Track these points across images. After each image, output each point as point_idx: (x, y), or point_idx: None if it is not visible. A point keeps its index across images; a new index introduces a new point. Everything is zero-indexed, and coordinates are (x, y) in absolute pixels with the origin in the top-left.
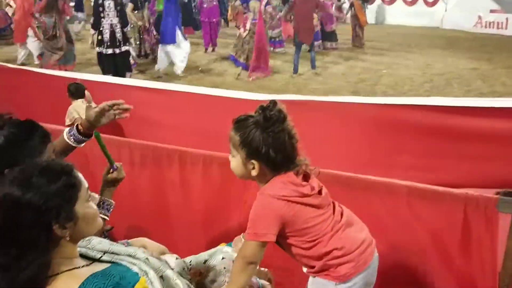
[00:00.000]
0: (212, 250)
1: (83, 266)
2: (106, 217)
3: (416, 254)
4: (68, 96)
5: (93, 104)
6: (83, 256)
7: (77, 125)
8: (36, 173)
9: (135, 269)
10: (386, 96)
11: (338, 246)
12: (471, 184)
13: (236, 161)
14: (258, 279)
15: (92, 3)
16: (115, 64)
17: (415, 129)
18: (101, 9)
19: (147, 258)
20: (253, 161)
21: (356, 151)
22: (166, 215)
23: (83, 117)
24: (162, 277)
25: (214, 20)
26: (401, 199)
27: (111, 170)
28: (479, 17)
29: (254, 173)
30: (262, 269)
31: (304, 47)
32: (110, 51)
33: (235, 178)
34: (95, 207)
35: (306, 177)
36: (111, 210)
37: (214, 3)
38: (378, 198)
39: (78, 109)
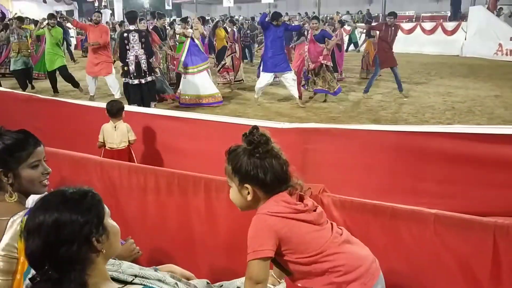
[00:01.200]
0: (243, 278)
1: None
2: None
3: (443, 283)
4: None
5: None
6: (114, 279)
7: None
8: (65, 195)
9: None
10: (407, 124)
11: (341, 262)
12: (494, 212)
13: (233, 191)
14: None
15: (118, 37)
16: (141, 93)
17: (438, 157)
18: (126, 41)
19: (176, 283)
20: (246, 185)
21: (378, 178)
22: (191, 241)
23: (107, 139)
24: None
25: None
26: (428, 227)
27: None
28: (500, 45)
29: (249, 197)
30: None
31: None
32: (136, 81)
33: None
34: (115, 223)
35: (301, 198)
36: None
37: None
38: (405, 225)
39: (105, 131)
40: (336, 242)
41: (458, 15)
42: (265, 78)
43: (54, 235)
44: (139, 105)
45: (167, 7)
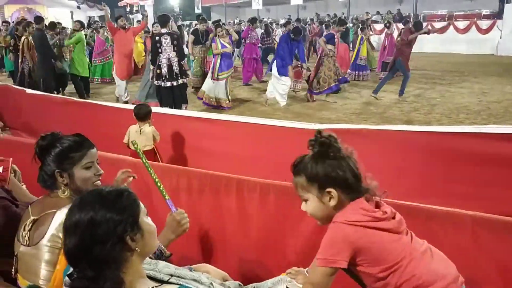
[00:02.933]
0: (276, 278)
1: (154, 287)
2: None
3: (482, 287)
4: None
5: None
6: (151, 278)
7: None
8: (101, 194)
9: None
10: (440, 125)
11: (417, 274)
12: None
13: (311, 202)
14: None
15: (151, 41)
16: (173, 96)
17: (471, 158)
18: (158, 45)
19: (211, 283)
20: (328, 189)
21: (410, 180)
22: (223, 241)
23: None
24: None
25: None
26: (466, 230)
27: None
28: None
29: (333, 202)
30: None
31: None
32: (168, 84)
33: (292, 207)
34: (152, 222)
35: (377, 205)
36: (163, 258)
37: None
38: (441, 228)
39: (130, 133)
40: (416, 253)
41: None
42: (288, 82)
43: (89, 234)
44: (170, 107)
45: (196, 11)
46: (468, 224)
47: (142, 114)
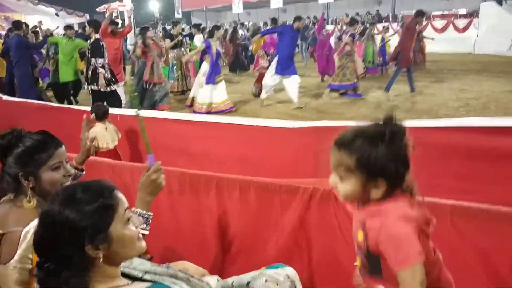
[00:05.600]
0: (255, 272)
1: (124, 285)
2: (145, 231)
3: (463, 276)
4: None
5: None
6: (125, 275)
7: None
8: (77, 192)
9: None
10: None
11: (442, 280)
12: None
13: (349, 185)
14: None
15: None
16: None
17: (453, 151)
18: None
19: (188, 279)
20: (378, 180)
21: None
22: (204, 240)
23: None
24: None
25: None
26: (445, 219)
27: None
28: None
29: (378, 193)
30: None
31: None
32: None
33: (272, 202)
34: (134, 229)
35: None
36: (149, 222)
37: None
38: None
39: (98, 135)
40: (439, 263)
41: None
42: (275, 79)
43: (53, 230)
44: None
45: (177, 16)
46: (447, 213)
47: (101, 113)
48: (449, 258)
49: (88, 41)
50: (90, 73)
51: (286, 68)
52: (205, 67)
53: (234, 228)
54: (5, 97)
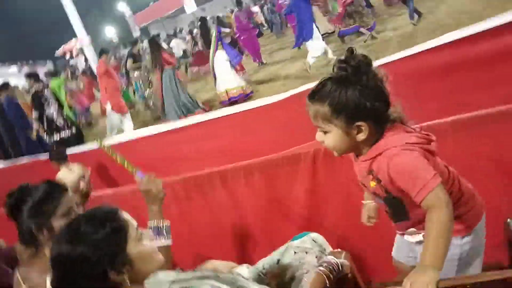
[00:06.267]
0: (281, 248)
1: None
2: (169, 241)
3: (481, 184)
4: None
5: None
6: None
7: None
8: (81, 225)
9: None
10: None
11: (464, 191)
12: None
13: (334, 135)
14: (335, 258)
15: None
16: None
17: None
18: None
19: (217, 276)
20: (358, 123)
21: None
22: (223, 235)
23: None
24: None
25: None
26: (447, 137)
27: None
28: None
29: (362, 136)
30: (339, 250)
31: None
32: None
33: (279, 177)
34: (149, 243)
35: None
36: (169, 230)
37: None
38: None
39: (64, 177)
40: (455, 176)
41: None
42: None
43: (70, 269)
44: None
45: (135, 34)
46: (448, 130)
47: (56, 158)
48: (462, 174)
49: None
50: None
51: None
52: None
53: (249, 214)
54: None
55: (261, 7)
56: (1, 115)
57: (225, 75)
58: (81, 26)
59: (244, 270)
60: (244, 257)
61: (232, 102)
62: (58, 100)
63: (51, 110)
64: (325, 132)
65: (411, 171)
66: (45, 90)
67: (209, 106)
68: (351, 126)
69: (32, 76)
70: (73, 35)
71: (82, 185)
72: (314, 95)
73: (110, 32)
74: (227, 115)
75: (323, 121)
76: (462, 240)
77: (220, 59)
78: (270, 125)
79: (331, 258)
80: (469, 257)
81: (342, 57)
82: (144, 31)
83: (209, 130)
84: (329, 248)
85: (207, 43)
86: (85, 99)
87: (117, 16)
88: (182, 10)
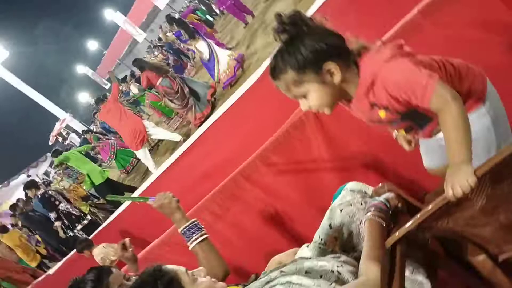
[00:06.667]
0: (327, 213)
1: None
2: (205, 234)
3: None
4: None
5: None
6: None
7: None
8: None
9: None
10: None
11: (458, 66)
12: None
13: (314, 91)
14: (377, 198)
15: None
16: None
17: None
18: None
19: (280, 271)
20: (325, 66)
21: None
22: (274, 225)
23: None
24: (307, 273)
25: None
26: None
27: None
28: None
29: (337, 78)
30: (380, 184)
31: None
32: None
33: (295, 148)
34: (205, 279)
35: None
36: (200, 225)
37: None
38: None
39: (100, 255)
40: (450, 66)
41: None
42: None
43: None
44: None
45: (105, 86)
46: (420, 22)
47: (82, 248)
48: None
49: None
50: None
51: None
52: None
53: (287, 195)
54: (52, 270)
55: None
56: (37, 218)
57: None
58: (55, 107)
59: (305, 250)
60: (300, 239)
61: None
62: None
63: (64, 204)
64: (305, 97)
65: (406, 81)
66: (49, 191)
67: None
68: (321, 73)
69: (31, 186)
70: (55, 118)
71: (127, 253)
72: (274, 71)
73: (84, 97)
74: (221, 116)
75: (296, 87)
76: (481, 111)
77: (202, 49)
78: (264, 103)
79: (375, 200)
80: (497, 123)
81: (275, 29)
82: (109, 80)
83: (212, 138)
84: (370, 189)
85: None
86: (104, 153)
87: (82, 80)
88: (135, 41)
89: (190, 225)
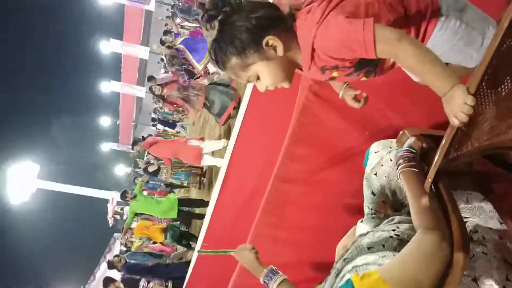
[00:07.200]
0: (364, 182)
1: None
2: (285, 276)
3: None
4: None
5: None
6: None
7: None
8: None
9: (343, 278)
10: None
11: None
12: None
13: (263, 70)
14: (401, 149)
15: None
16: None
17: None
18: None
19: (344, 259)
20: (265, 40)
21: None
22: (328, 214)
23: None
24: (369, 249)
25: None
26: None
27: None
28: None
29: (280, 48)
30: (400, 133)
31: None
32: None
33: (312, 134)
34: None
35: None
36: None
37: None
38: None
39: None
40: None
41: None
42: None
43: None
44: None
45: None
46: None
47: None
48: None
49: None
50: None
51: None
52: None
53: (327, 180)
54: None
55: None
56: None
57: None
58: (100, 191)
59: (362, 226)
60: (360, 208)
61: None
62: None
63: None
64: (258, 78)
65: (343, 43)
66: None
67: None
68: (263, 50)
69: (108, 283)
70: (105, 202)
71: None
72: (217, 61)
73: (120, 169)
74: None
75: (244, 71)
76: (439, 25)
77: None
78: (267, 108)
79: (399, 152)
80: (466, 22)
81: (202, 20)
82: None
83: (240, 156)
84: (393, 142)
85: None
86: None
87: (111, 155)
88: (139, 99)
89: (267, 273)
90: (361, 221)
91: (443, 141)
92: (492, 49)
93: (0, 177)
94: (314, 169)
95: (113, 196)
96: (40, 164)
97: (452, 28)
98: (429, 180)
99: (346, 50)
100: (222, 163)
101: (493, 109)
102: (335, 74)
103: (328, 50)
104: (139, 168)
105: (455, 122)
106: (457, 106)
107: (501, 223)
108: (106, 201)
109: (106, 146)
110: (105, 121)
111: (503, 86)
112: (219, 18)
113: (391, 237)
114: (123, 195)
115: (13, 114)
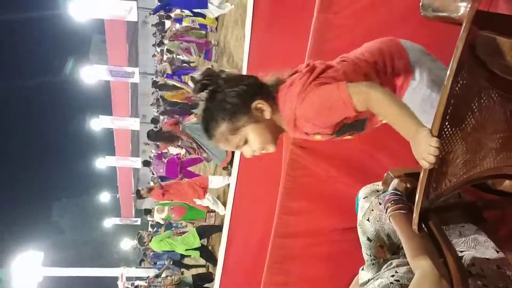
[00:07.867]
0: (358, 230)
1: None
2: None
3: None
4: None
5: None
6: None
7: None
8: None
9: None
10: None
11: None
12: None
13: (252, 133)
14: (387, 191)
15: None
16: None
17: None
18: None
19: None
20: (253, 106)
21: None
22: (335, 256)
23: None
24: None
25: None
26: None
27: None
28: None
29: (267, 113)
30: (385, 175)
31: None
32: None
33: (310, 185)
34: None
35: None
36: None
37: None
38: None
39: None
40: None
41: None
42: None
43: None
44: None
45: (137, 223)
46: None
47: None
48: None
49: None
50: None
51: None
52: None
53: (326, 227)
54: None
55: None
56: None
57: None
58: (108, 270)
59: (363, 274)
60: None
61: None
62: None
63: None
64: (246, 142)
65: (323, 103)
66: None
67: None
68: (252, 113)
69: None
70: (115, 279)
71: None
72: (208, 131)
73: (127, 244)
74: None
75: (234, 135)
76: (413, 85)
77: None
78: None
79: (385, 195)
80: (436, 83)
81: (193, 89)
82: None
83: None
84: (379, 185)
85: None
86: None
87: (115, 230)
88: (135, 170)
89: None
90: (362, 269)
91: (419, 184)
92: (447, 90)
93: (4, 273)
94: (312, 220)
95: (122, 272)
96: (43, 250)
97: (421, 94)
98: (415, 222)
99: (328, 112)
100: (224, 226)
101: (463, 144)
102: (317, 138)
103: (310, 118)
104: (145, 243)
105: (424, 164)
106: (423, 149)
107: (497, 252)
108: (116, 278)
109: (108, 222)
110: (104, 197)
111: (467, 122)
112: (211, 87)
113: (391, 283)
114: (140, 241)
115: (11, 203)
